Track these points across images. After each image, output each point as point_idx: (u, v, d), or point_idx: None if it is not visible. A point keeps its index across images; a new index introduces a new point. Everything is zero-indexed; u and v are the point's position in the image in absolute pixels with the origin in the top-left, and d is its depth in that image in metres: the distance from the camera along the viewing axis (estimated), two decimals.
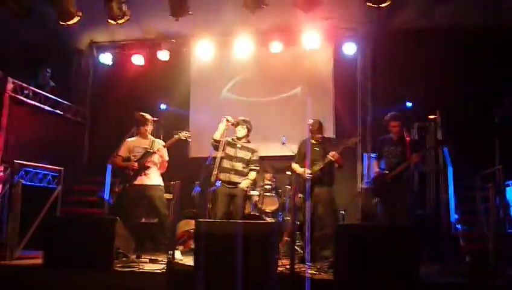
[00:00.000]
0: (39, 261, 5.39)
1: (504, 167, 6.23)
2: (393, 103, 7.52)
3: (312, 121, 6.22)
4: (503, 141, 6.59)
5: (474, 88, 7.92)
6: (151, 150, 6.27)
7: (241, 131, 6.34)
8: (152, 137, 6.51)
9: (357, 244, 4.76)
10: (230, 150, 6.21)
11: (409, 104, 7.85)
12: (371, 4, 6.17)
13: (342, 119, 8.58)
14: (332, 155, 5.89)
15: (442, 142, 7.17)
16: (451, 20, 7.94)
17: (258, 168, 6.40)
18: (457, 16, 7.80)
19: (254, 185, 7.04)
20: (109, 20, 6.55)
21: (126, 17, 6.51)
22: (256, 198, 7.40)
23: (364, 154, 8.03)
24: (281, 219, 7.31)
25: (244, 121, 6.38)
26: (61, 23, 6.43)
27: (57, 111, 8.38)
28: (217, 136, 6.26)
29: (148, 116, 6.46)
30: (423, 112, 7.66)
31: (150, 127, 6.49)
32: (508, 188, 6.55)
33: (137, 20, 7.68)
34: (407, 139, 6.11)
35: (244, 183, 6.22)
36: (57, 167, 7.04)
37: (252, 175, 6.33)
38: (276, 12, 7.38)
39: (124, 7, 6.44)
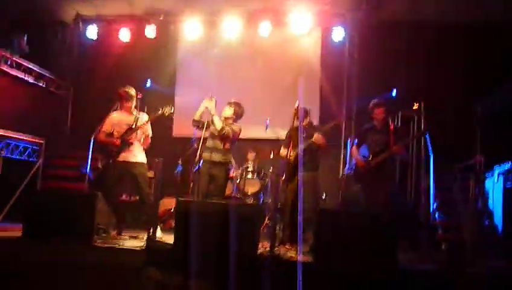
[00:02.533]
0: (18, 233, 5.35)
1: (485, 158, 6.32)
2: (378, 91, 7.53)
3: (298, 103, 6.19)
4: (484, 133, 6.68)
5: (458, 80, 8.01)
6: (135, 126, 6.19)
7: (226, 111, 6.27)
8: (136, 112, 6.40)
9: (337, 229, 4.82)
10: (214, 130, 6.16)
11: (393, 92, 7.89)
12: None
13: (327, 105, 8.59)
14: (315, 137, 5.89)
15: (424, 132, 7.23)
16: (438, 13, 7.98)
17: (229, 130, 6.16)
18: (445, 9, 7.83)
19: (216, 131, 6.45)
20: None
21: None
22: (238, 179, 7.42)
23: (348, 140, 8.07)
24: (261, 201, 7.35)
25: (234, 103, 6.31)
26: None
27: (40, 84, 8.26)
28: (195, 116, 6.21)
29: (132, 91, 6.30)
30: (408, 101, 7.71)
31: (133, 102, 6.38)
32: (487, 180, 6.66)
33: None
34: (391, 127, 6.14)
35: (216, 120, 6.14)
36: (38, 139, 6.96)
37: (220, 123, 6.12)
38: None
39: None
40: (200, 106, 6.21)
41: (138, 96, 6.49)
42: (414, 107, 7.60)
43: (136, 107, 6.44)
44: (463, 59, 8.05)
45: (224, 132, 5.99)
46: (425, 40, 8.30)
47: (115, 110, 6.56)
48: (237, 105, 6.30)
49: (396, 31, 8.30)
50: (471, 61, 7.98)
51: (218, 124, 6.01)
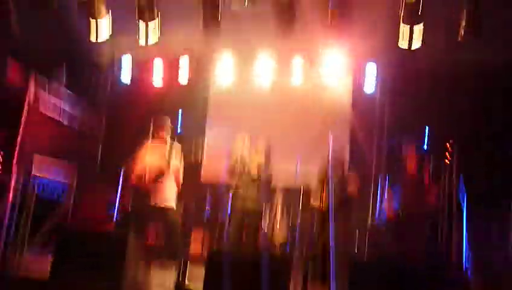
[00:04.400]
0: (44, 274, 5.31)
1: None
2: (410, 138, 7.47)
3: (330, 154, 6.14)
4: None
5: (491, 126, 7.91)
6: (168, 164, 6.07)
7: (259, 157, 6.23)
8: (170, 140, 6.16)
9: (370, 283, 4.72)
10: (248, 178, 6.10)
11: (426, 142, 7.81)
12: (402, 45, 6.20)
13: (357, 154, 8.52)
14: (350, 189, 5.84)
15: (457, 180, 7.09)
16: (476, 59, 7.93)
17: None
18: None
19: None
20: (140, 41, 6.57)
21: (155, 38, 6.54)
22: (266, 229, 7.31)
23: (379, 189, 7.95)
24: (288, 251, 7.22)
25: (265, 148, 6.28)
26: (92, 38, 6.46)
27: (73, 126, 8.40)
28: (232, 160, 6.18)
29: (166, 119, 6.21)
30: (440, 149, 7.60)
31: (168, 132, 6.20)
32: None
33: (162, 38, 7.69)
34: (426, 178, 6.06)
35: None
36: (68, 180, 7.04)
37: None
38: (301, 39, 7.38)
39: (157, 29, 6.48)
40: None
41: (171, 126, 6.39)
42: (448, 155, 7.49)
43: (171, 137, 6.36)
44: (496, 104, 7.97)
45: (262, 179, 5.96)
46: (458, 88, 8.24)
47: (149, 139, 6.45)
48: (268, 150, 6.26)
49: (427, 79, 8.27)
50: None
51: (256, 171, 5.98)
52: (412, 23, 6.29)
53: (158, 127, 6.14)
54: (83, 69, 9.28)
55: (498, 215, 6.87)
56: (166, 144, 6.09)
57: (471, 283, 6.55)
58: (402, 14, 6.29)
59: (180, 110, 9.12)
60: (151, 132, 6.18)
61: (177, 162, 6.12)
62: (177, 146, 6.16)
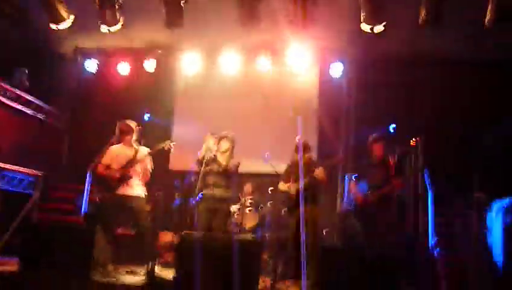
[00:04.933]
0: (14, 267, 5.25)
1: (485, 194, 6.32)
2: (376, 125, 7.60)
3: (299, 137, 6.21)
4: (483, 167, 6.71)
5: (457, 115, 8.10)
6: (135, 160, 6.14)
7: (223, 145, 6.26)
8: (136, 145, 6.38)
9: (340, 266, 4.80)
10: (213, 166, 6.13)
11: (392, 127, 7.93)
12: (365, 27, 6.27)
13: (325, 141, 8.62)
14: (317, 172, 5.90)
15: (422, 168, 7.25)
16: (439, 48, 8.10)
17: (232, 166, 6.22)
18: (444, 45, 7.98)
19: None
20: (102, 26, 6.50)
21: (119, 25, 6.48)
22: (237, 214, 7.36)
23: (346, 175, 8.06)
24: (259, 235, 7.27)
25: (228, 137, 6.32)
26: (52, 26, 6.36)
27: (38, 115, 8.25)
28: (200, 156, 6.20)
29: (132, 124, 6.32)
30: (405, 136, 7.75)
31: (134, 136, 6.37)
32: (488, 213, 6.64)
33: (126, 29, 7.60)
34: (391, 162, 6.17)
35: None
36: (35, 172, 6.93)
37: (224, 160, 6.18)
38: (265, 29, 7.39)
39: (118, 15, 6.41)
40: (203, 146, 6.20)
41: (138, 128, 6.45)
42: (412, 143, 7.63)
43: (137, 140, 6.42)
44: (461, 95, 8.16)
45: (229, 168, 5.99)
46: (421, 74, 8.41)
47: (114, 143, 6.51)
48: (232, 138, 6.30)
49: (393, 66, 8.42)
50: (469, 95, 8.10)
51: (224, 161, 6.02)
52: (373, 24, 6.39)
53: (124, 131, 6.19)
54: (46, 59, 9.13)
55: (461, 197, 7.05)
56: (132, 148, 6.18)
57: (438, 262, 6.72)
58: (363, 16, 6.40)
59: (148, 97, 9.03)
60: (117, 136, 6.24)
61: (144, 152, 6.16)
62: (143, 150, 6.23)
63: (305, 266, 5.77)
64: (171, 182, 8.22)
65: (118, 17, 6.44)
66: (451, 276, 6.40)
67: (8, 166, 6.58)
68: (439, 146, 7.77)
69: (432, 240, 6.91)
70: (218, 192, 6.06)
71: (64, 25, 6.42)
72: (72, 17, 6.50)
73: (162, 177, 8.05)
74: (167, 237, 7.08)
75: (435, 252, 6.86)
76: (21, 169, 6.80)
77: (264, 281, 5.26)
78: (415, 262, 6.88)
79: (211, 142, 6.20)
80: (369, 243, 6.11)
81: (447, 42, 7.84)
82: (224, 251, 4.65)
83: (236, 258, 4.63)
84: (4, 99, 7.42)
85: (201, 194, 6.07)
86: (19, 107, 7.81)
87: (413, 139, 7.62)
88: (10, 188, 6.65)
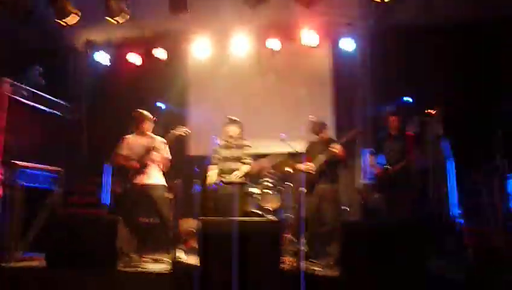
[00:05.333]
0: (41, 263, 5.35)
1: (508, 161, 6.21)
2: (392, 98, 7.49)
3: (313, 117, 6.19)
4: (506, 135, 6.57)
5: (474, 82, 7.92)
6: (152, 148, 6.18)
7: (233, 130, 6.30)
8: (152, 134, 6.42)
9: (363, 241, 4.78)
10: (226, 152, 6.18)
11: (408, 99, 7.80)
12: None
13: (341, 117, 8.52)
14: (334, 147, 5.87)
15: (442, 137, 7.14)
16: (451, 15, 7.90)
17: (249, 161, 6.35)
18: (456, 10, 7.77)
19: (249, 178, 6.91)
20: (108, 19, 6.49)
21: (125, 16, 6.46)
22: (258, 195, 7.35)
23: (363, 149, 7.99)
24: (282, 216, 7.27)
25: (236, 121, 6.35)
26: (59, 21, 6.37)
27: (55, 112, 8.34)
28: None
29: (145, 113, 6.39)
30: (423, 107, 7.63)
31: (149, 125, 6.40)
32: (509, 181, 6.53)
33: (134, 18, 7.59)
34: (409, 134, 6.10)
35: (234, 176, 6.25)
36: (56, 168, 7.02)
37: (244, 168, 6.31)
38: (274, 8, 7.31)
39: (123, 5, 6.39)
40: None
41: (154, 119, 6.49)
42: (429, 111, 7.51)
43: (152, 129, 6.45)
44: (477, 61, 7.96)
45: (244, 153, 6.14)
46: (437, 43, 8.20)
47: (131, 133, 6.56)
48: (239, 122, 6.35)
49: (406, 37, 8.25)
50: (487, 62, 7.89)
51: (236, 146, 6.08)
52: None
53: (139, 120, 6.27)
54: (58, 55, 9.17)
55: (481, 165, 6.95)
56: (148, 137, 6.24)
57: (464, 232, 6.65)
58: None
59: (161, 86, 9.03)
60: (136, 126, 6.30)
61: (160, 140, 6.22)
62: (158, 139, 6.30)
63: (328, 244, 5.81)
64: (189, 169, 8.24)
65: (123, 7, 6.41)
66: (478, 245, 6.34)
67: (30, 164, 6.67)
68: (458, 114, 7.62)
69: (455, 209, 6.84)
70: (232, 177, 6.12)
71: (72, 20, 6.41)
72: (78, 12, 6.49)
73: (181, 164, 8.08)
74: (191, 223, 7.12)
75: (460, 221, 6.80)
76: (42, 166, 6.89)
77: (290, 261, 5.26)
78: (441, 232, 6.84)
79: (230, 128, 6.26)
80: (391, 215, 6.09)
81: (463, 7, 7.65)
82: (246, 234, 4.67)
83: (257, 240, 4.66)
84: (21, 99, 7.50)
85: (218, 181, 6.13)
86: (36, 105, 7.89)
87: (432, 108, 7.52)
88: (33, 185, 6.74)
